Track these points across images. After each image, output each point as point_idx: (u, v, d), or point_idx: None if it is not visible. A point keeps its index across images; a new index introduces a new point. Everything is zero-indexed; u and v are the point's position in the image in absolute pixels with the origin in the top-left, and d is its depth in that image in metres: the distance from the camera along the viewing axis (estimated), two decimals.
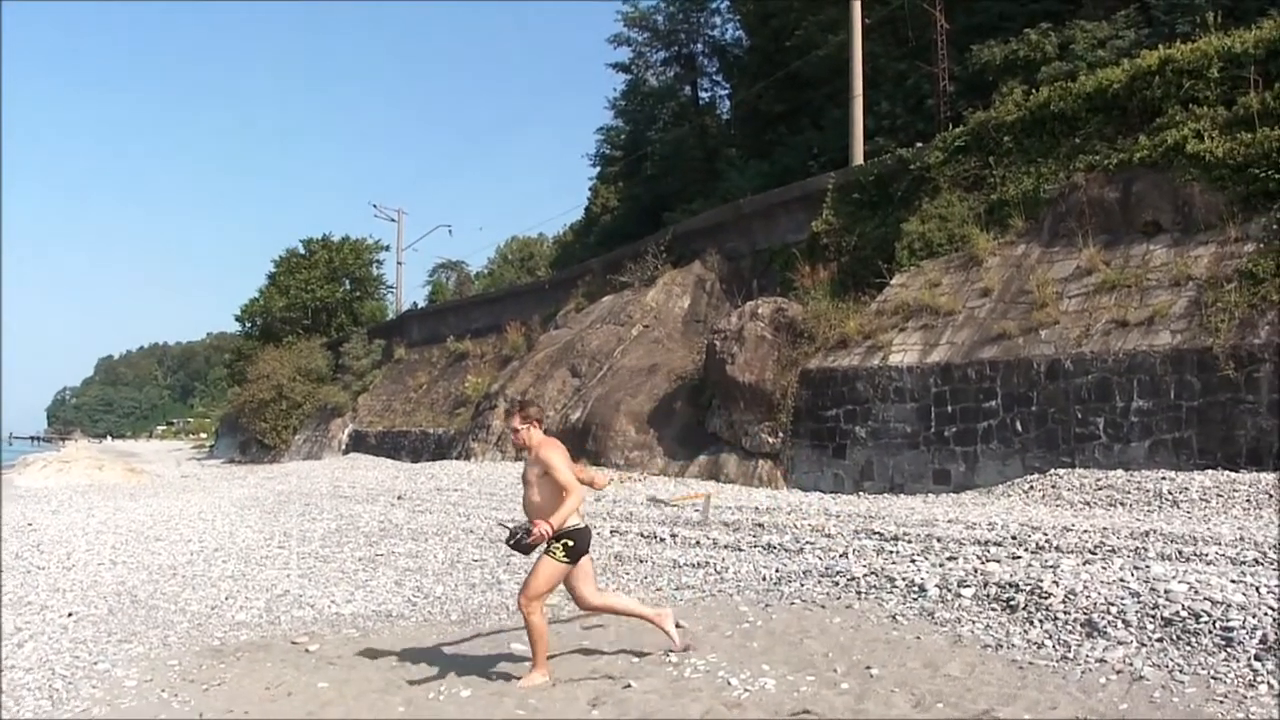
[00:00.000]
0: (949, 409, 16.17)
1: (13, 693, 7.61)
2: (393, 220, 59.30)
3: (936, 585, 8.23)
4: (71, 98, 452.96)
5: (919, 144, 22.06)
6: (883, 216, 21.86)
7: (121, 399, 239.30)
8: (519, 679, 7.00)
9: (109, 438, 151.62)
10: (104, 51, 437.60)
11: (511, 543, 6.67)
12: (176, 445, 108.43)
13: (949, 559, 9.34)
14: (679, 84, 43.44)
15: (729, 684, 6.46)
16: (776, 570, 10.30)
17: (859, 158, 25.16)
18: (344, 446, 41.97)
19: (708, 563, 11.28)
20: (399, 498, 20.91)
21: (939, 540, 10.58)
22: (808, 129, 31.53)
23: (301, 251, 64.59)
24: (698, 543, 12.52)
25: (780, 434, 18.67)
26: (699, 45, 42.34)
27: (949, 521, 12.11)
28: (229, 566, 13.99)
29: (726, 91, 42.52)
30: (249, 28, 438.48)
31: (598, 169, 46.41)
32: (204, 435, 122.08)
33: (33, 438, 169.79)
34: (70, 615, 10.75)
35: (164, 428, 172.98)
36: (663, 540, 12.96)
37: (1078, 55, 24.45)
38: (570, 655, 7.66)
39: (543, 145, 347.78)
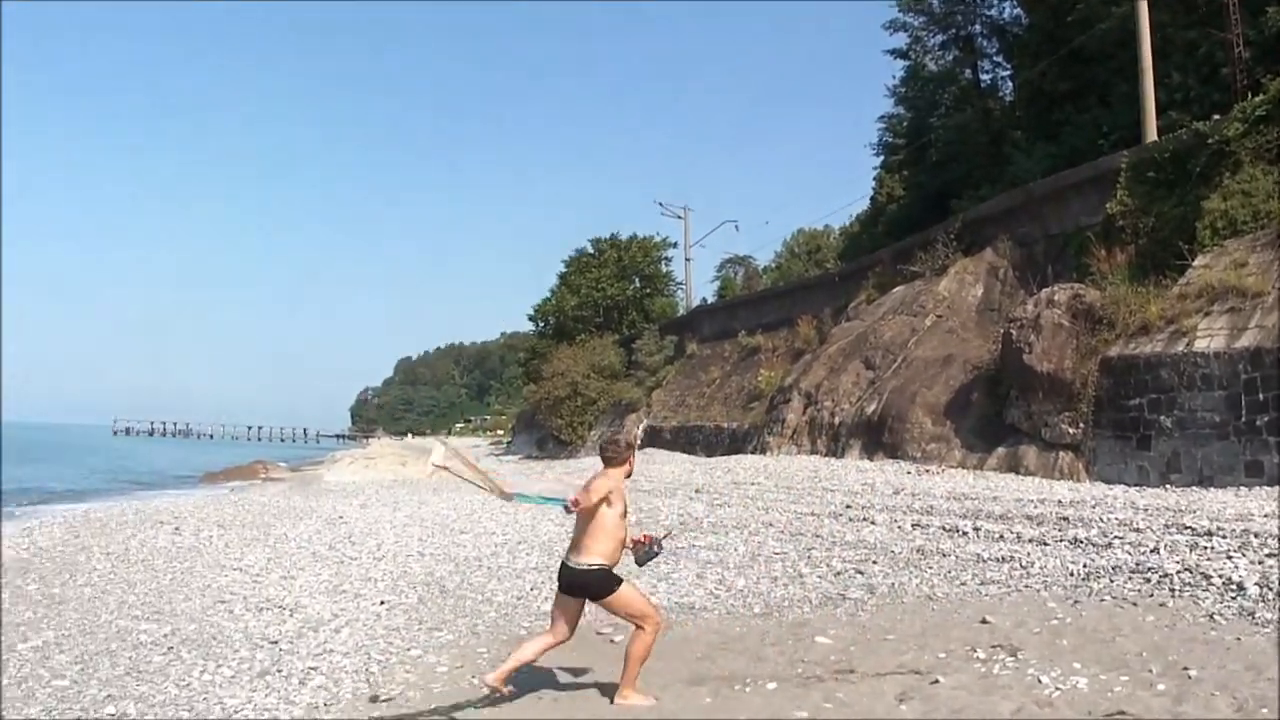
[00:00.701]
0: (1260, 397, 15.29)
1: (332, 675, 8.28)
2: (679, 218, 60.26)
3: (1256, 584, 7.95)
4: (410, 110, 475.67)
5: (1215, 116, 20.95)
6: (1180, 195, 20.89)
7: (421, 398, 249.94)
8: (823, 673, 7.07)
9: (409, 435, 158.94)
10: (434, 59, 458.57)
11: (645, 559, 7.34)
12: (475, 441, 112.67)
13: (1269, 556, 8.94)
14: (959, 67, 42.49)
15: (1039, 681, 6.30)
16: (1084, 566, 10.06)
17: (1152, 134, 24.09)
18: (639, 441, 42.78)
19: (1012, 557, 11.10)
20: (696, 491, 21.12)
21: (1256, 536, 10.01)
22: (1095, 106, 30.39)
23: (591, 251, 66.30)
24: (1001, 537, 12.33)
25: (1081, 424, 18.21)
26: (977, 26, 41.14)
27: (1265, 516, 11.43)
28: (532, 558, 14.57)
29: (1008, 72, 41.23)
30: (556, 30, 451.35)
31: (881, 158, 45.83)
32: (501, 432, 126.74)
33: (337, 436, 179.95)
34: (383, 603, 11.49)
35: (461, 425, 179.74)
36: (965, 534, 12.83)
37: None
38: (876, 650, 7.66)
39: (824, 136, 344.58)
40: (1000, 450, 19.67)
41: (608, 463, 7.02)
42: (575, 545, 6.91)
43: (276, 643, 9.58)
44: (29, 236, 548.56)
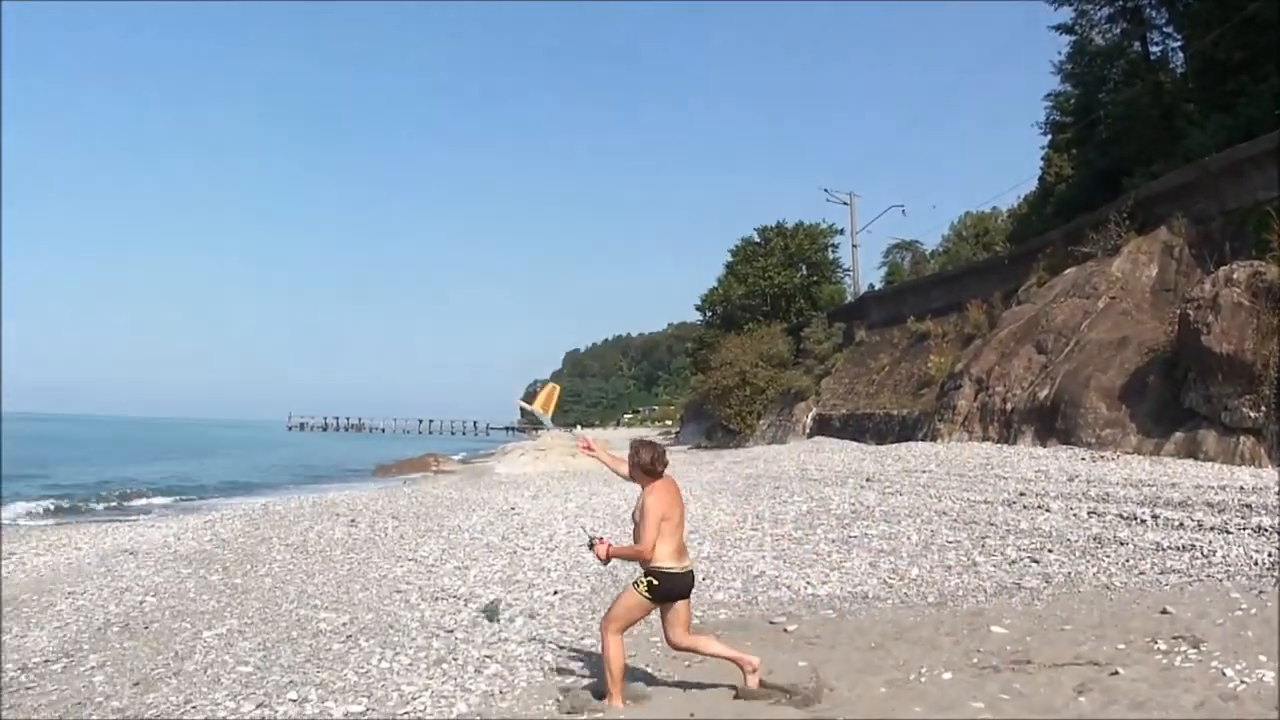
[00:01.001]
0: None
1: (507, 663, 8.57)
2: (845, 204, 59.74)
3: None
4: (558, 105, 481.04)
5: None
6: None
7: (589, 389, 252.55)
8: (999, 663, 7.11)
9: (579, 426, 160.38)
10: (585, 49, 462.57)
11: (588, 544, 7.21)
12: (644, 432, 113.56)
13: None
14: (1127, 40, 41.09)
15: (1223, 675, 6.14)
16: (1269, 555, 9.91)
17: None
18: (808, 430, 42.69)
19: (1193, 545, 10.97)
20: (867, 480, 20.98)
21: None
22: (1272, 75, 29.13)
23: (757, 240, 66.32)
24: (1181, 524, 12.15)
25: (1263, 408, 17.68)
26: None
27: None
28: (705, 548, 14.54)
29: (1179, 43, 39.69)
30: (719, 19, 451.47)
31: (1048, 137, 44.79)
32: (669, 422, 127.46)
33: (506, 428, 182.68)
34: (556, 593, 11.83)
35: (630, 416, 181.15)
36: (1143, 522, 12.70)
37: None
38: (1053, 640, 7.64)
39: (990, 116, 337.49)
40: (1178, 435, 19.22)
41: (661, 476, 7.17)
42: (684, 550, 7.10)
43: (452, 631, 9.95)
44: (210, 250, 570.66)
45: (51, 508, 32.39)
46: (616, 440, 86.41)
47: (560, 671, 8.24)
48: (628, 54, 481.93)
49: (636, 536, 6.88)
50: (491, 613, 7.10)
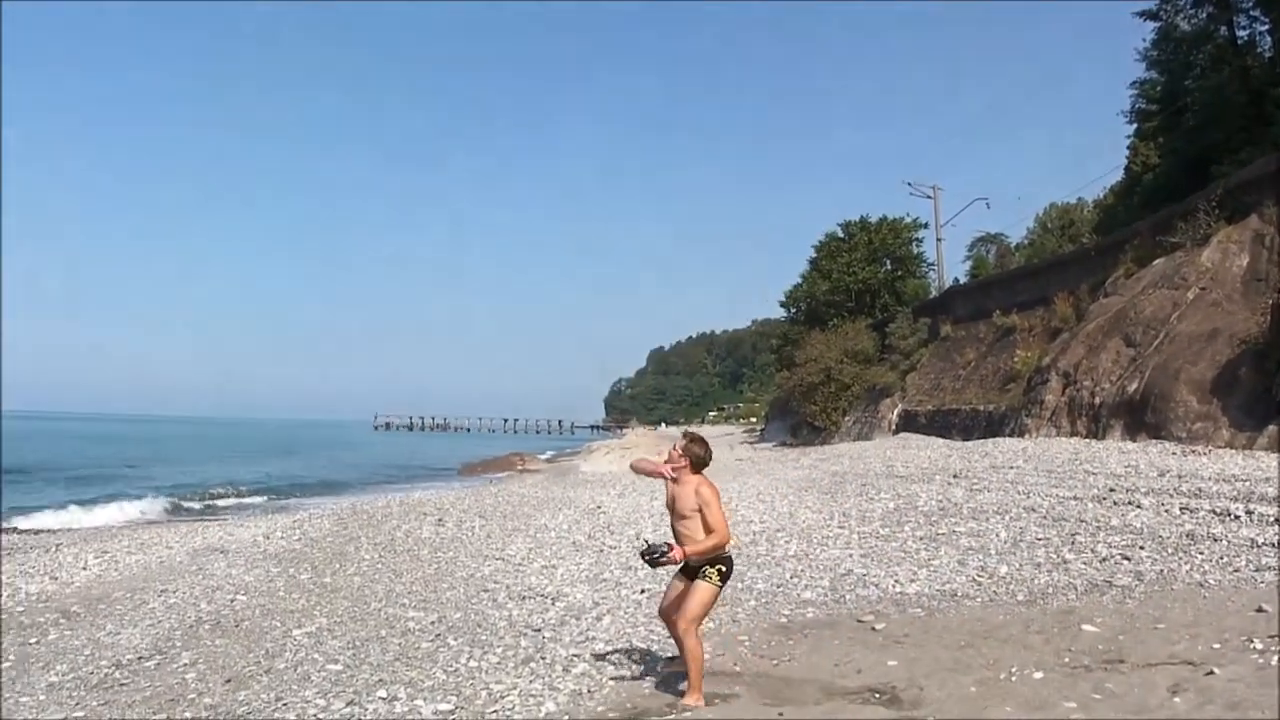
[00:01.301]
0: None
1: (595, 662, 8.66)
2: (928, 197, 59.25)
3: None
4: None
5: None
6: None
7: (673, 387, 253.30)
8: (1091, 663, 7.08)
9: (663, 424, 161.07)
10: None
11: (648, 558, 7.10)
12: (728, 430, 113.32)
13: None
14: (1213, 25, 40.31)
15: None
16: None
17: None
18: (893, 426, 42.47)
19: None
20: (954, 476, 20.82)
21: None
22: None
23: (840, 235, 66.15)
24: (1276, 520, 11.97)
25: None
26: None
27: None
28: (791, 546, 14.61)
29: (1266, 27, 39.06)
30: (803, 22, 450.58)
31: (1134, 125, 44.14)
32: (754, 419, 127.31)
33: (592, 426, 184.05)
34: (643, 592, 11.84)
35: (714, 413, 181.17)
36: (1237, 518, 12.52)
37: None
38: (1146, 639, 7.57)
39: (1074, 105, 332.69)
40: (1271, 428, 18.93)
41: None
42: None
43: (540, 630, 10.04)
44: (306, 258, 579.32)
45: (169, 506, 33.71)
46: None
47: (647, 671, 8.32)
48: (708, 56, 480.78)
49: (703, 528, 7.05)
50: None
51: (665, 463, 7.42)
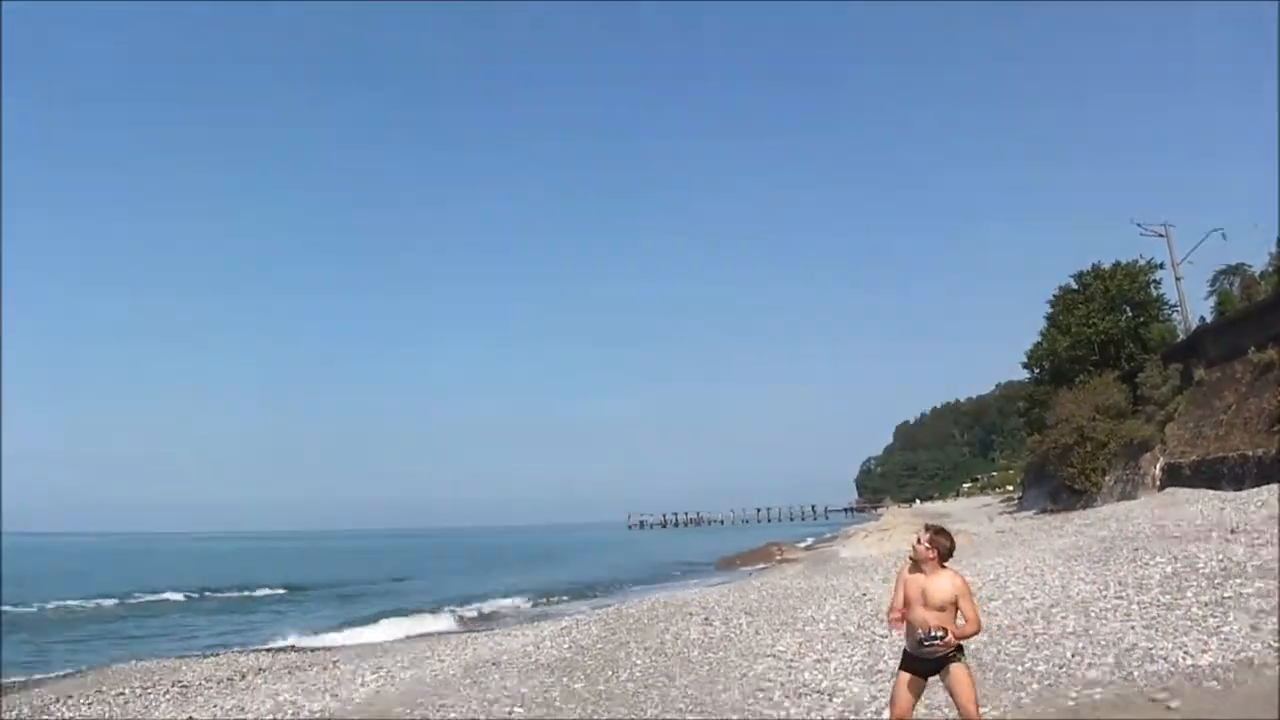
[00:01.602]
0: None
1: None
2: (1161, 235, 57.17)
3: None
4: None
5: None
6: None
7: (923, 461, 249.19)
8: None
9: (917, 501, 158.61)
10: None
11: (926, 646, 7.29)
12: (984, 501, 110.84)
13: None
14: None
15: None
16: None
17: None
18: (1158, 481, 40.71)
19: None
20: (1232, 532, 19.87)
21: None
22: None
23: (1074, 286, 64.24)
24: None
25: None
26: None
27: None
28: (1069, 622, 14.02)
29: None
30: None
31: None
32: (1010, 488, 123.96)
33: (846, 509, 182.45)
34: None
35: (969, 485, 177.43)
36: None
37: None
38: None
39: None
40: None
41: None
42: None
43: None
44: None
45: (462, 617, 34.89)
46: (958, 511, 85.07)
47: None
48: (905, 122, 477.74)
49: (947, 616, 7.37)
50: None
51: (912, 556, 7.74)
